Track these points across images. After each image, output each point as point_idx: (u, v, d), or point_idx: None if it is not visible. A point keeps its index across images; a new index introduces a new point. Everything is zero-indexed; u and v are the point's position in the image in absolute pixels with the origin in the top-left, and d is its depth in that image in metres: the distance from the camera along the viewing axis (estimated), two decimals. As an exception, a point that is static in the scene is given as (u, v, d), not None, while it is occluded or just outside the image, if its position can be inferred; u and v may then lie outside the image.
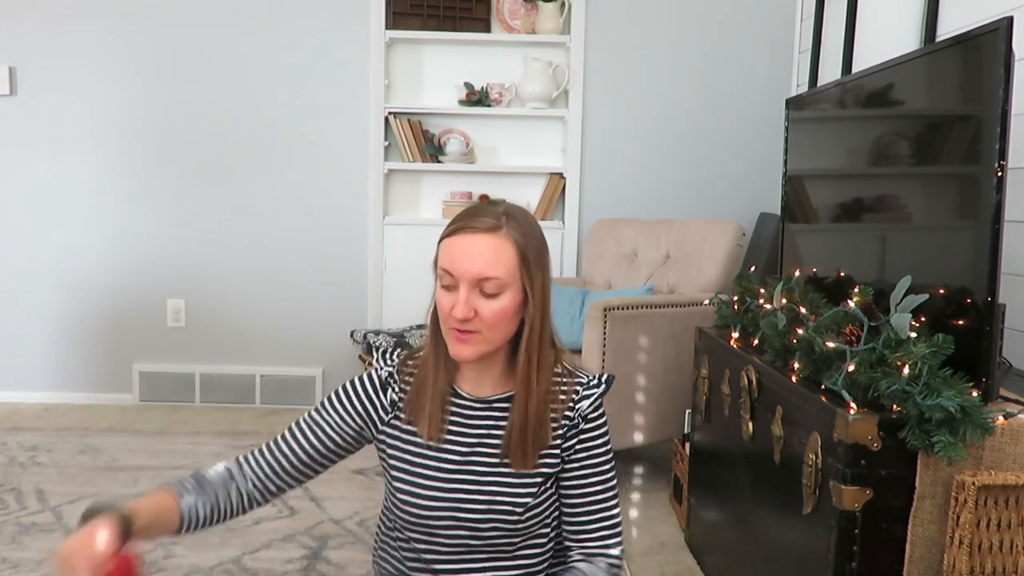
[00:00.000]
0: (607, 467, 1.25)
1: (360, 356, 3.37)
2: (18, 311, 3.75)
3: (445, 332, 1.18)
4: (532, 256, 1.16)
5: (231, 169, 3.72)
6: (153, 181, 3.72)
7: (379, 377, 1.27)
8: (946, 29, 2.42)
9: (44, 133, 3.66)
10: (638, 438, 2.77)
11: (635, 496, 2.79)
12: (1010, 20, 1.38)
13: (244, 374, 3.79)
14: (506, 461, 1.21)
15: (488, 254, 1.13)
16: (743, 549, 1.92)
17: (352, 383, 1.29)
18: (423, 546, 1.24)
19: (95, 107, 3.66)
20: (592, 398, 1.24)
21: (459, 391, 1.24)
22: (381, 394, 1.26)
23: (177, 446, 3.18)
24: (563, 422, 1.22)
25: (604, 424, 1.25)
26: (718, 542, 2.13)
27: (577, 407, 1.23)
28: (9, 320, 3.76)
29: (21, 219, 3.71)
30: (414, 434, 1.24)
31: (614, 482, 1.26)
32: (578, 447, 1.23)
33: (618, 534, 1.24)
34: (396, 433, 1.26)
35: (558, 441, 1.22)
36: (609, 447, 1.26)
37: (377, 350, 3.17)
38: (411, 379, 1.26)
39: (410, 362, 1.28)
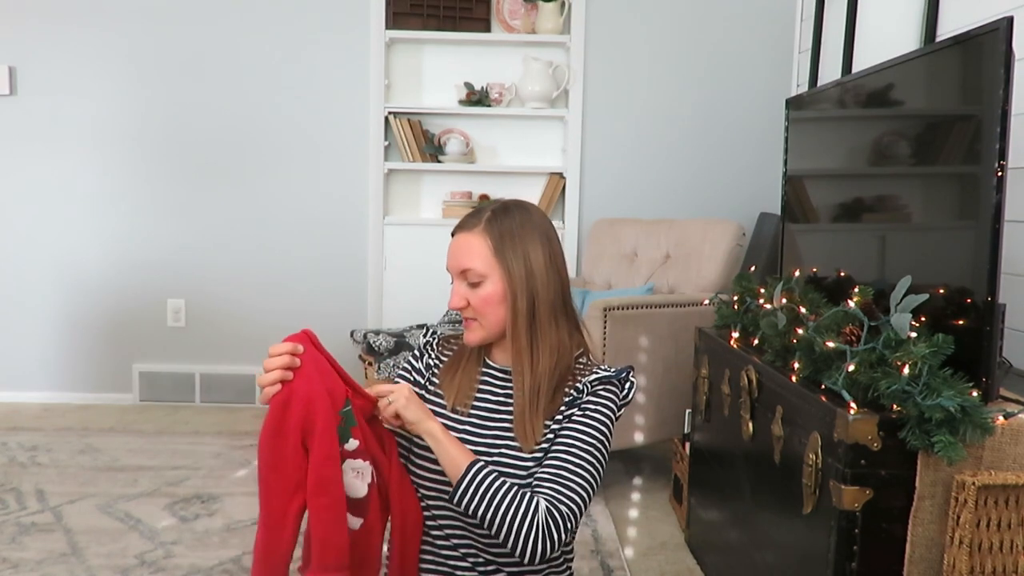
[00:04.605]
0: (592, 435, 1.25)
1: (360, 356, 3.36)
2: (18, 311, 3.75)
3: None
4: (510, 248, 1.29)
5: (231, 169, 3.72)
6: (153, 181, 3.72)
7: (418, 347, 1.46)
8: (946, 29, 2.41)
9: (44, 133, 3.66)
10: (638, 438, 2.77)
11: (635, 496, 2.79)
12: (1010, 20, 1.38)
13: (244, 374, 3.79)
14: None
15: (462, 250, 1.31)
16: (743, 549, 1.92)
17: (404, 361, 1.48)
18: (440, 512, 1.33)
19: (95, 107, 3.66)
20: (601, 375, 1.30)
21: (489, 361, 1.39)
22: (419, 360, 1.44)
23: (177, 446, 3.18)
24: (572, 393, 1.30)
25: (607, 403, 1.29)
26: (718, 542, 2.13)
27: (585, 380, 1.30)
28: (9, 320, 3.76)
29: (21, 219, 3.71)
30: (441, 403, 1.37)
31: (593, 453, 1.24)
32: (576, 414, 1.28)
33: (570, 497, 1.20)
34: (428, 397, 1.39)
35: (563, 408, 1.29)
36: (603, 425, 1.27)
37: (376, 350, 3.18)
38: (450, 354, 1.43)
39: (452, 340, 1.45)
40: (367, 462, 1.22)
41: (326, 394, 1.15)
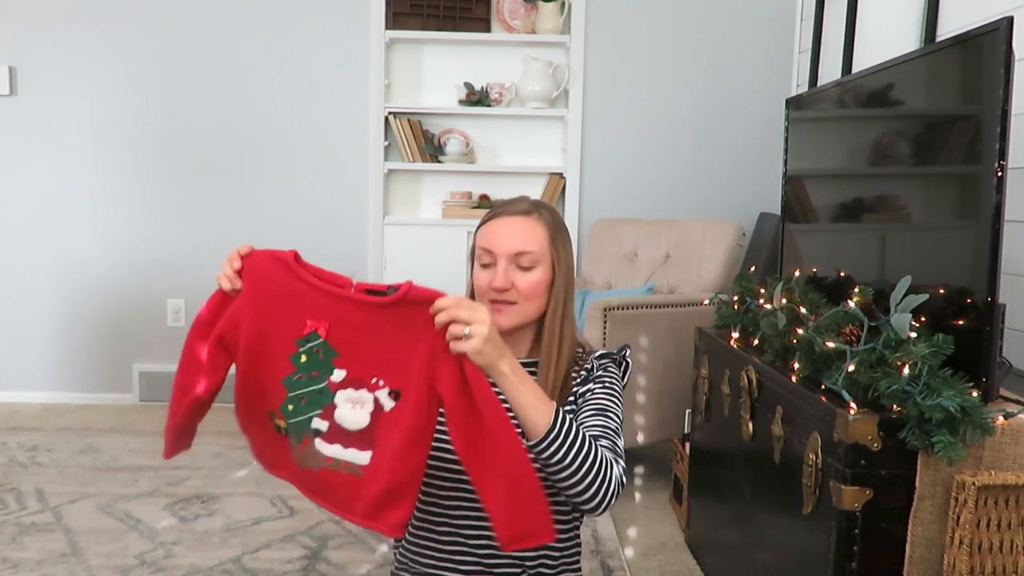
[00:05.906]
0: (614, 399, 1.31)
1: (360, 356, 3.36)
2: (18, 311, 3.75)
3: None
4: (560, 240, 1.35)
5: (231, 169, 3.72)
6: (153, 181, 3.72)
7: None
8: (946, 29, 2.41)
9: (44, 133, 3.66)
10: (638, 438, 2.77)
11: (635, 496, 2.79)
12: (1010, 20, 1.38)
13: (244, 374, 3.78)
14: None
15: (524, 232, 1.32)
16: (743, 549, 1.92)
17: None
18: (449, 503, 1.32)
19: (95, 107, 3.66)
20: (602, 352, 1.37)
21: None
22: None
23: (177, 446, 3.17)
24: (583, 374, 1.34)
25: (615, 371, 1.35)
26: (718, 542, 2.14)
27: (591, 358, 1.36)
28: (9, 320, 3.76)
29: (21, 219, 3.71)
30: None
31: (618, 414, 1.30)
32: (595, 387, 1.32)
33: (620, 455, 1.24)
34: None
35: (575, 389, 1.33)
36: (617, 389, 1.33)
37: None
38: None
39: None
40: (364, 390, 1.15)
41: (249, 313, 1.26)
